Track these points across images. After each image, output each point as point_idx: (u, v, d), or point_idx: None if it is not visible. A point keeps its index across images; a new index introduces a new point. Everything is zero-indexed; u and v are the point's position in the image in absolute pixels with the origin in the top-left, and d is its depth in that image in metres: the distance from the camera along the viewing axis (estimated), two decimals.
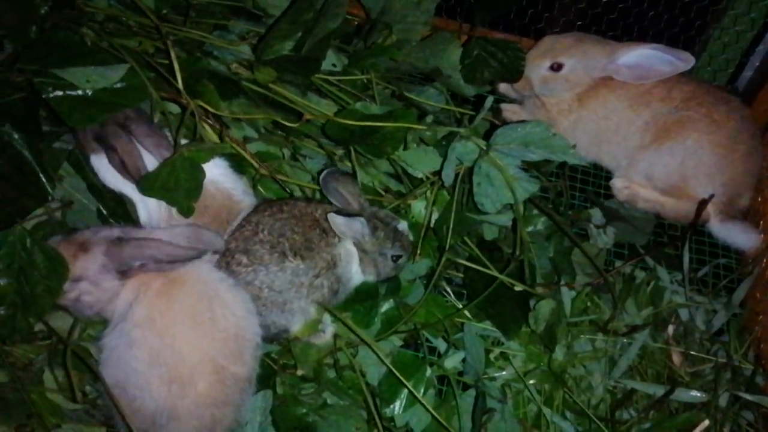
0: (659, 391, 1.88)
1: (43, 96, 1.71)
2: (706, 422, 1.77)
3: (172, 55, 1.87)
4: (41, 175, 1.75)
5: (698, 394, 1.88)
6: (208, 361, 1.53)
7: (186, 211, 1.72)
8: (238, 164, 1.91)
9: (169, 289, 1.57)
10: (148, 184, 1.68)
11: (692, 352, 2.00)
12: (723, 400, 1.89)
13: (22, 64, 1.80)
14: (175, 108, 1.95)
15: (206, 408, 1.53)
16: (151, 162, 1.73)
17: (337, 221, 1.72)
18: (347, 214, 1.74)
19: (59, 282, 1.55)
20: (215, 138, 1.91)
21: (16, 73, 1.81)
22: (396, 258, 1.83)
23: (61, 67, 1.75)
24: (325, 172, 1.80)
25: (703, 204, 2.15)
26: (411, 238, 1.88)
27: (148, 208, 1.77)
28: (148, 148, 1.73)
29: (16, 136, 1.74)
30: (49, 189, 1.75)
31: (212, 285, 1.61)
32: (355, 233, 1.76)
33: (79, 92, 1.73)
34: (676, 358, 1.99)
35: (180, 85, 1.86)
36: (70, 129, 1.80)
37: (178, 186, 1.69)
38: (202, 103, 1.89)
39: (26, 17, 1.98)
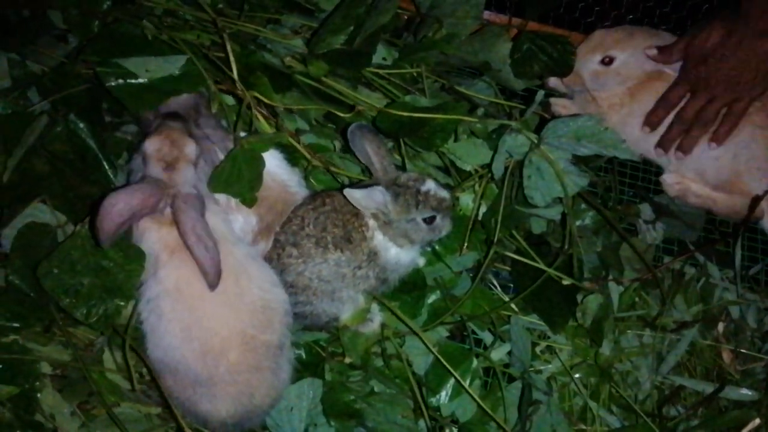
0: (708, 388, 1.87)
1: (106, 84, 1.77)
2: (757, 421, 1.74)
3: (228, 47, 1.91)
4: (104, 163, 1.82)
5: (749, 393, 1.86)
6: (238, 333, 1.56)
7: (248, 202, 1.74)
8: (290, 156, 1.95)
9: None
10: (216, 181, 1.70)
11: (743, 350, 1.97)
12: None
13: (86, 56, 1.87)
14: (229, 100, 2.00)
15: (241, 375, 1.58)
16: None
17: (355, 196, 1.63)
18: (364, 186, 1.64)
19: (138, 264, 1.59)
20: (269, 129, 1.94)
21: (80, 65, 1.89)
22: (428, 220, 1.71)
23: (122, 57, 1.81)
24: (354, 125, 1.73)
25: (756, 200, 2.12)
26: (444, 196, 1.72)
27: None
28: (215, 141, 1.76)
29: (81, 125, 1.81)
30: (111, 176, 1.82)
31: (239, 260, 1.62)
32: (378, 205, 1.67)
33: (139, 80, 1.79)
34: (727, 356, 1.96)
35: (236, 76, 1.90)
36: (134, 119, 1.86)
37: (241, 178, 1.71)
38: (257, 94, 1.92)
39: (89, 12, 2.06)
